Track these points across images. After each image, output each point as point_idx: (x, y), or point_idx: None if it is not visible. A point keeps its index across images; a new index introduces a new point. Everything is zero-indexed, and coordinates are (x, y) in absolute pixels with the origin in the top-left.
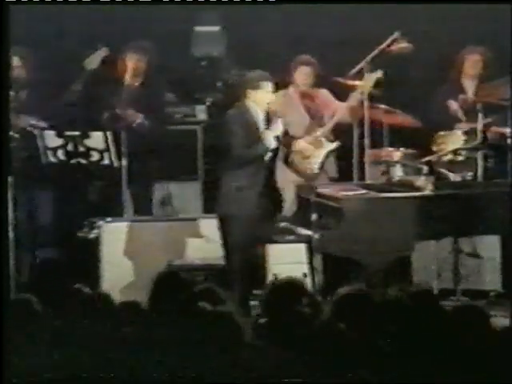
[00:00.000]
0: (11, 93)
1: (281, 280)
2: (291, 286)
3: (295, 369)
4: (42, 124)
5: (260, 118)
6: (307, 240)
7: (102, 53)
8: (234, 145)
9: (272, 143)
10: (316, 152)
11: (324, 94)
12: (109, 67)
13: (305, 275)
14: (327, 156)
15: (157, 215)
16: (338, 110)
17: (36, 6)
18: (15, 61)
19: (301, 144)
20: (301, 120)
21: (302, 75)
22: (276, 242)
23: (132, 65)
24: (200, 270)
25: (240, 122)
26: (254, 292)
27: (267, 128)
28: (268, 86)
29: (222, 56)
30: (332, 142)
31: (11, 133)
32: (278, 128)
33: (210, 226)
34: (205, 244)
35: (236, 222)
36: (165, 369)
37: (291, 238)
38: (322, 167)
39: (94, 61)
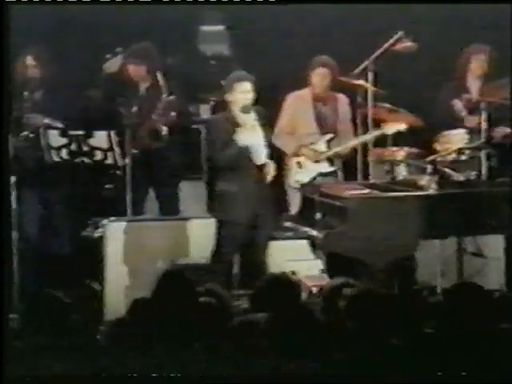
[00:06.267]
0: (25, 93)
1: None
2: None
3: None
4: (57, 124)
5: (238, 119)
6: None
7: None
8: (212, 149)
9: (246, 142)
10: (308, 167)
11: (343, 105)
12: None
13: (322, 271)
14: (315, 178)
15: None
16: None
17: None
18: (29, 60)
19: (298, 158)
20: (308, 128)
21: (319, 77)
22: (285, 238)
23: (132, 70)
24: (204, 269)
25: (217, 126)
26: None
27: (244, 128)
28: (245, 86)
29: (231, 55)
30: (331, 164)
31: (25, 132)
32: (254, 128)
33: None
34: (210, 243)
35: (229, 226)
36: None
37: (299, 235)
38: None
39: (113, 65)
